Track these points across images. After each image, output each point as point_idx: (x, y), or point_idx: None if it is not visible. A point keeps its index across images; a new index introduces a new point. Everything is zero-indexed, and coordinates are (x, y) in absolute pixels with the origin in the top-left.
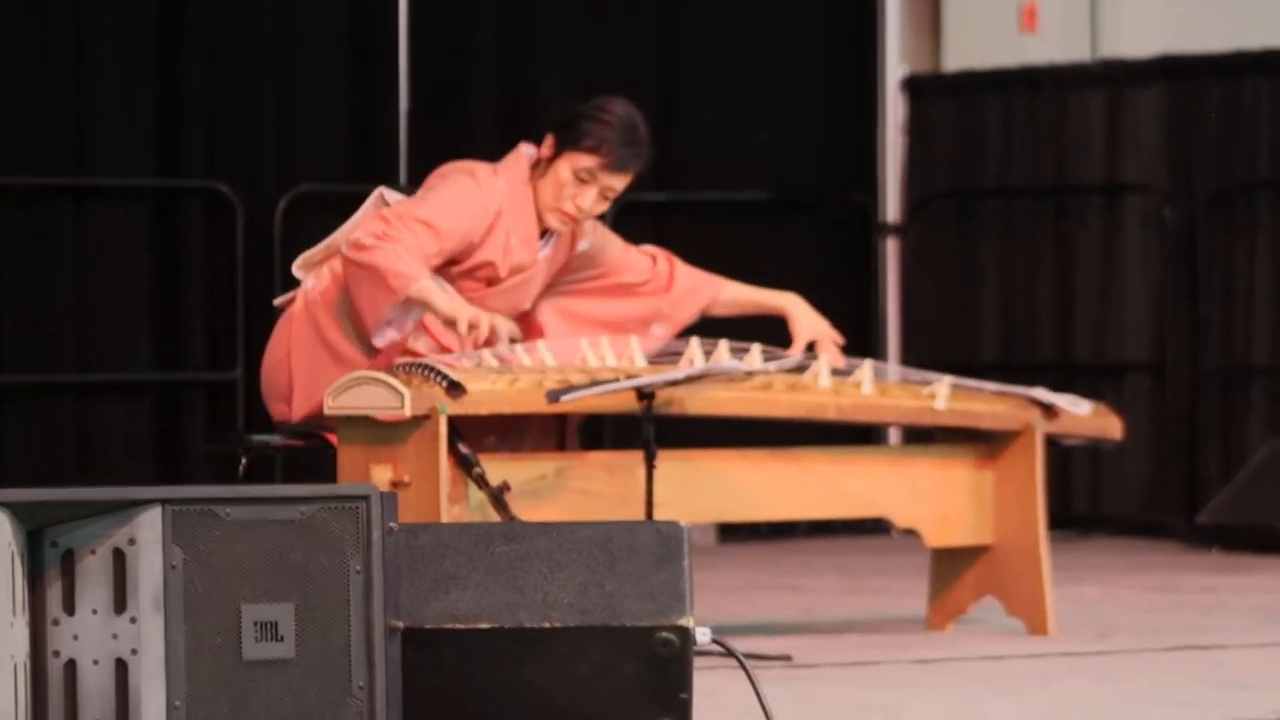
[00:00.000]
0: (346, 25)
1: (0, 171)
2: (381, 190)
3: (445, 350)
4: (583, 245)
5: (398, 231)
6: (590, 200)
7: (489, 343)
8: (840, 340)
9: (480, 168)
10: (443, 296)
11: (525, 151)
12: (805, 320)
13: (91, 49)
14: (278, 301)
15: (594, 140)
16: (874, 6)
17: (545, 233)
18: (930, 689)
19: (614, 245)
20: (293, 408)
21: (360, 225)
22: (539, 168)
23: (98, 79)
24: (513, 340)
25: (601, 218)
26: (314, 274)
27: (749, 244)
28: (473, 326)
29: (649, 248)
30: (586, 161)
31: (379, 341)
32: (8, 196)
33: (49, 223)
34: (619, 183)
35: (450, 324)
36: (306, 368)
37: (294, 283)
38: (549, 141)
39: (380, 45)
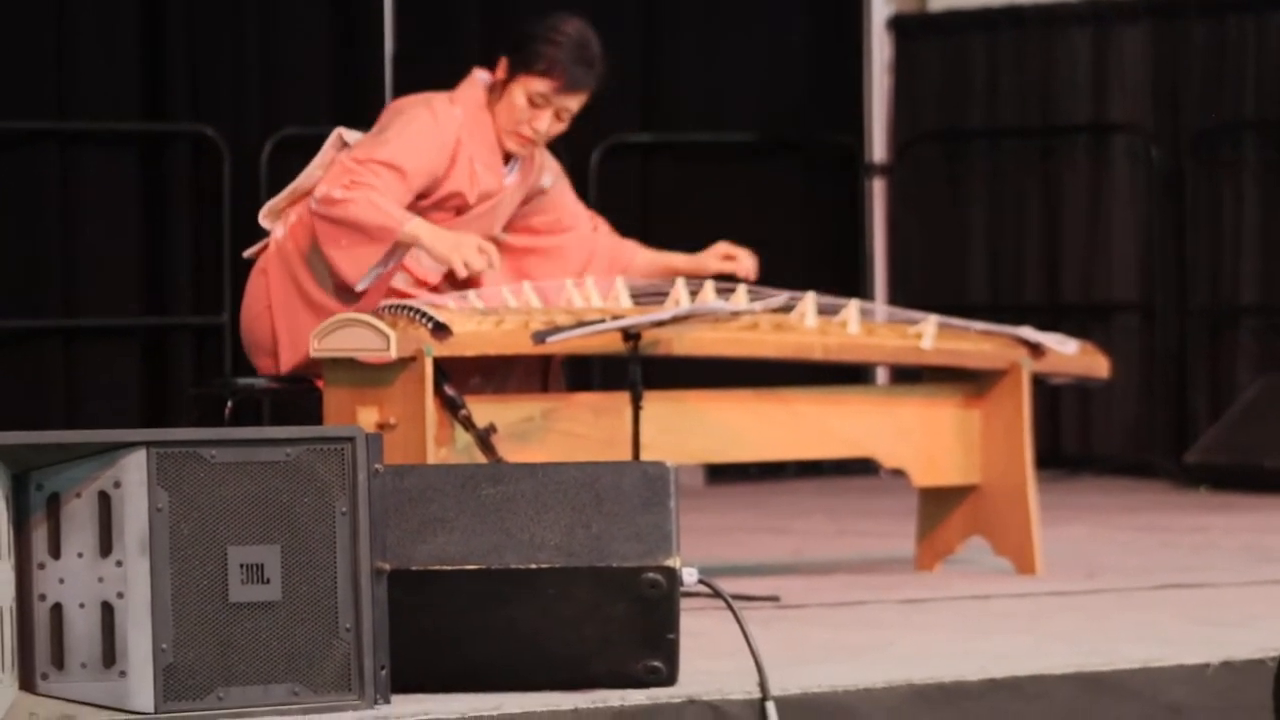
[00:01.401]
0: None
1: None
2: (340, 131)
3: (423, 284)
4: (546, 181)
5: (364, 178)
6: (546, 122)
7: (476, 280)
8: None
9: (436, 98)
10: (430, 234)
11: (480, 77)
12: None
13: None
14: (248, 253)
15: (546, 63)
16: None
17: (509, 158)
18: (918, 629)
19: (569, 193)
20: (280, 361)
21: (325, 176)
22: (494, 91)
23: (81, 23)
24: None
25: (585, 160)
26: (281, 221)
27: (735, 185)
28: (469, 267)
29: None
30: (540, 85)
31: (362, 286)
32: None
33: (34, 168)
34: (574, 103)
35: (445, 263)
36: (288, 318)
37: (264, 232)
38: (502, 64)
39: None
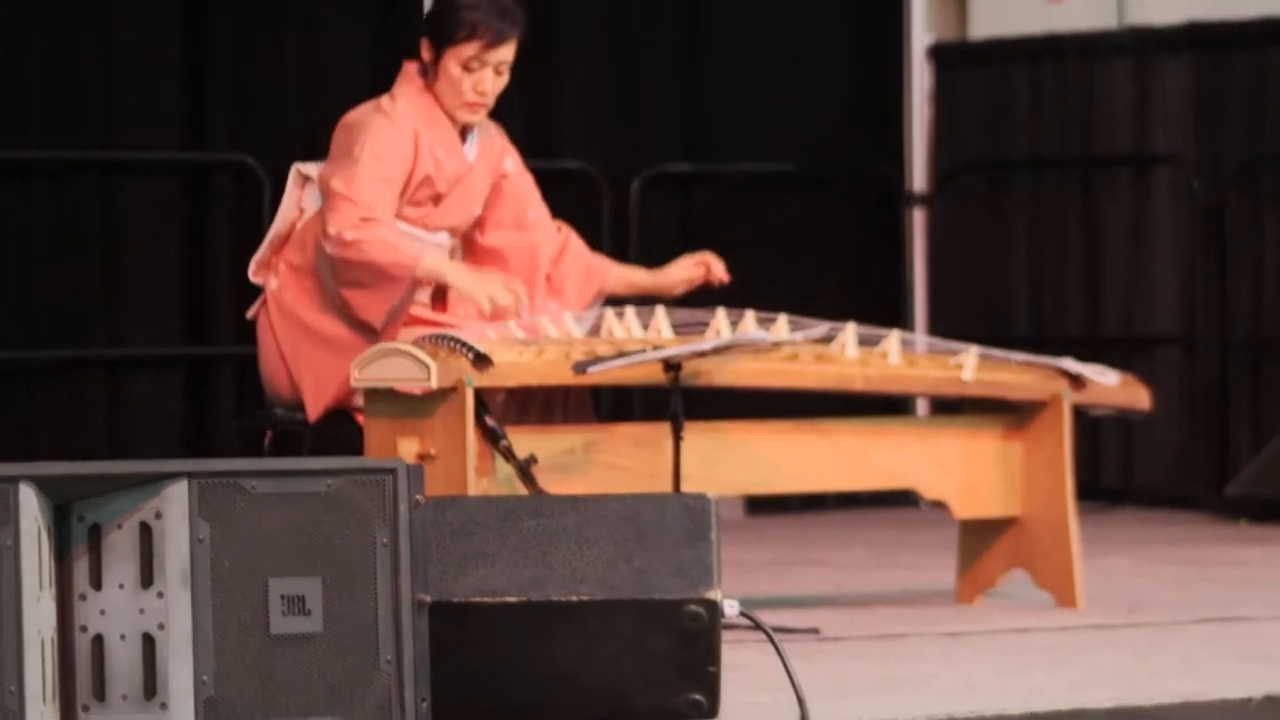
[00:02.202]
0: None
1: (28, 146)
2: (297, 166)
3: (441, 308)
4: (507, 164)
5: (372, 210)
6: (489, 81)
7: (501, 315)
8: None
9: (381, 101)
10: (451, 270)
11: (410, 68)
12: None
13: (117, 23)
14: (250, 313)
15: (466, 28)
16: None
17: (464, 136)
18: (959, 662)
19: (533, 190)
20: (307, 409)
21: (327, 213)
22: (428, 75)
23: (123, 53)
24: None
25: (625, 190)
26: (272, 272)
27: (776, 215)
28: (494, 303)
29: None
30: (468, 50)
31: (381, 324)
32: (36, 171)
33: (77, 198)
34: (508, 53)
35: (470, 299)
36: (307, 366)
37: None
38: (425, 45)
39: (405, 16)
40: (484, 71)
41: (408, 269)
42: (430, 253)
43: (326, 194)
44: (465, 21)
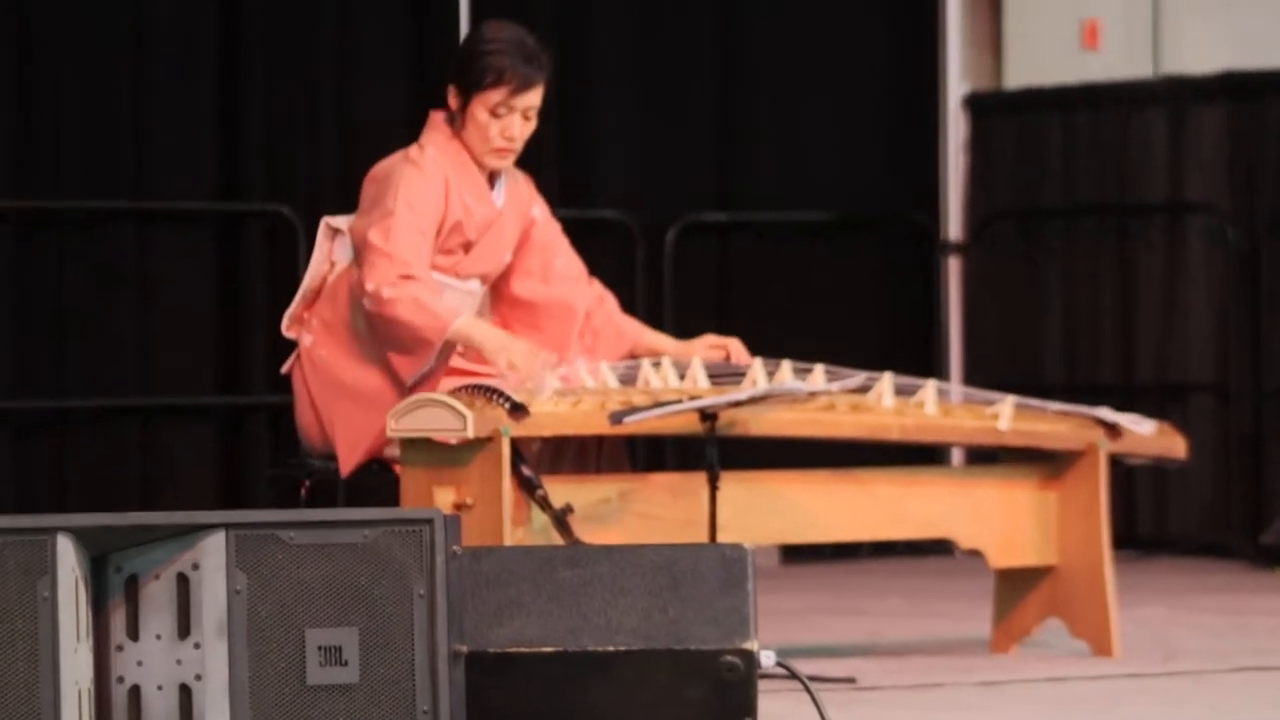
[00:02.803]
0: (407, 45)
1: (62, 196)
2: (326, 220)
3: (481, 360)
4: (535, 211)
5: (411, 266)
6: (517, 127)
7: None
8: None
9: (410, 152)
10: (481, 332)
11: (438, 117)
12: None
13: (151, 73)
14: (285, 369)
15: (494, 74)
16: (935, 24)
17: (492, 181)
18: (995, 712)
19: (561, 238)
20: (340, 465)
21: (364, 268)
22: (455, 123)
23: (157, 103)
24: (549, 366)
25: (661, 239)
26: (305, 329)
27: (812, 264)
28: (511, 367)
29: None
30: (496, 96)
31: (412, 382)
32: (70, 221)
33: (111, 247)
34: (534, 99)
35: (492, 360)
36: (341, 421)
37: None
38: (452, 93)
39: (440, 67)
40: (512, 117)
41: (439, 331)
42: (464, 313)
43: (362, 248)
44: (492, 67)
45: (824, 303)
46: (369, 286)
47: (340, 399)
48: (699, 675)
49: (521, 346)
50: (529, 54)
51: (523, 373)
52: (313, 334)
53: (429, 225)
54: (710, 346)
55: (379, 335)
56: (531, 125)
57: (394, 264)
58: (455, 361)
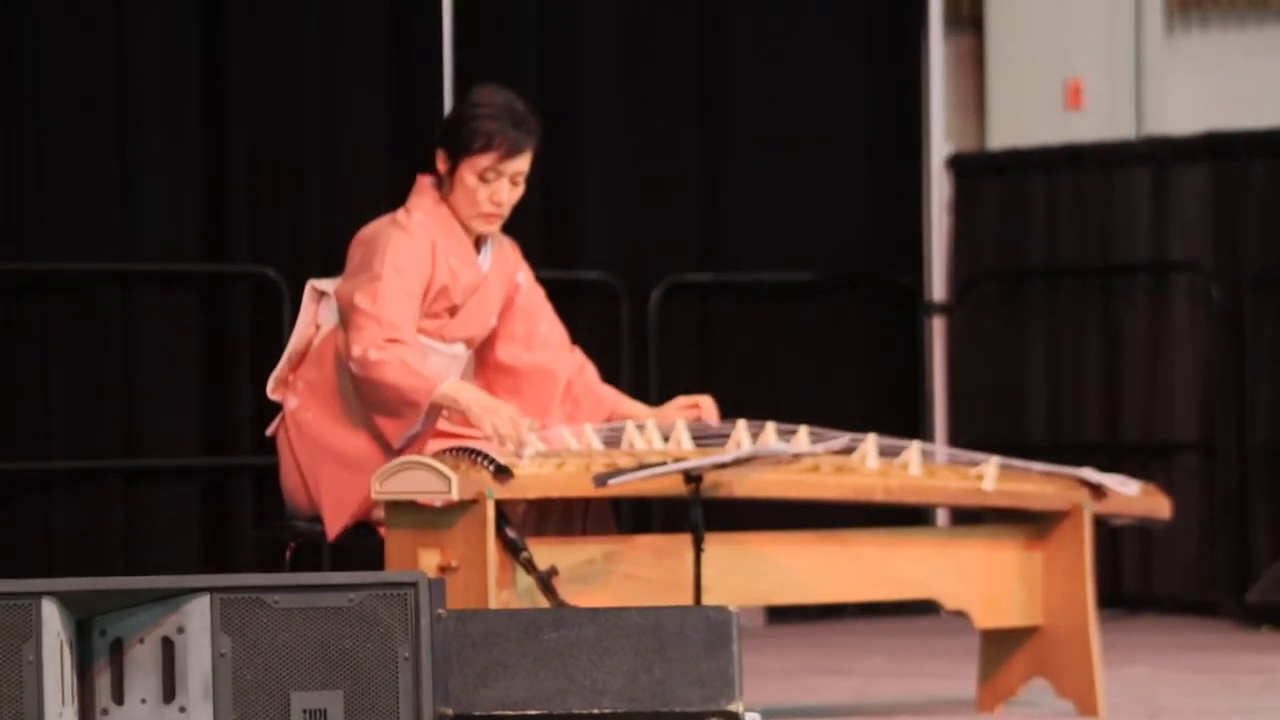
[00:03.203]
0: (390, 107)
1: (47, 258)
2: (312, 283)
3: (467, 423)
4: (520, 277)
5: (391, 325)
6: (505, 192)
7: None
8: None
9: (396, 215)
10: (465, 395)
11: (425, 181)
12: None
13: (136, 136)
14: (270, 431)
15: (483, 138)
16: (918, 85)
17: (478, 245)
18: None
19: (545, 304)
20: (327, 528)
21: (351, 332)
22: (443, 187)
23: (143, 166)
24: (532, 430)
25: (644, 300)
26: (291, 391)
27: (795, 324)
28: (497, 432)
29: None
30: (485, 161)
31: (399, 445)
32: (55, 283)
33: (96, 308)
34: (523, 164)
35: (477, 425)
36: (327, 484)
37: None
38: (441, 156)
39: (424, 127)
40: (500, 182)
41: (426, 393)
42: (450, 377)
43: (349, 311)
44: (481, 131)
45: (808, 363)
46: (355, 351)
47: (326, 462)
48: None
49: (507, 411)
50: (519, 119)
51: (507, 438)
52: (298, 396)
53: (416, 289)
54: (683, 408)
55: (365, 398)
56: (519, 191)
57: (381, 327)
58: (441, 424)
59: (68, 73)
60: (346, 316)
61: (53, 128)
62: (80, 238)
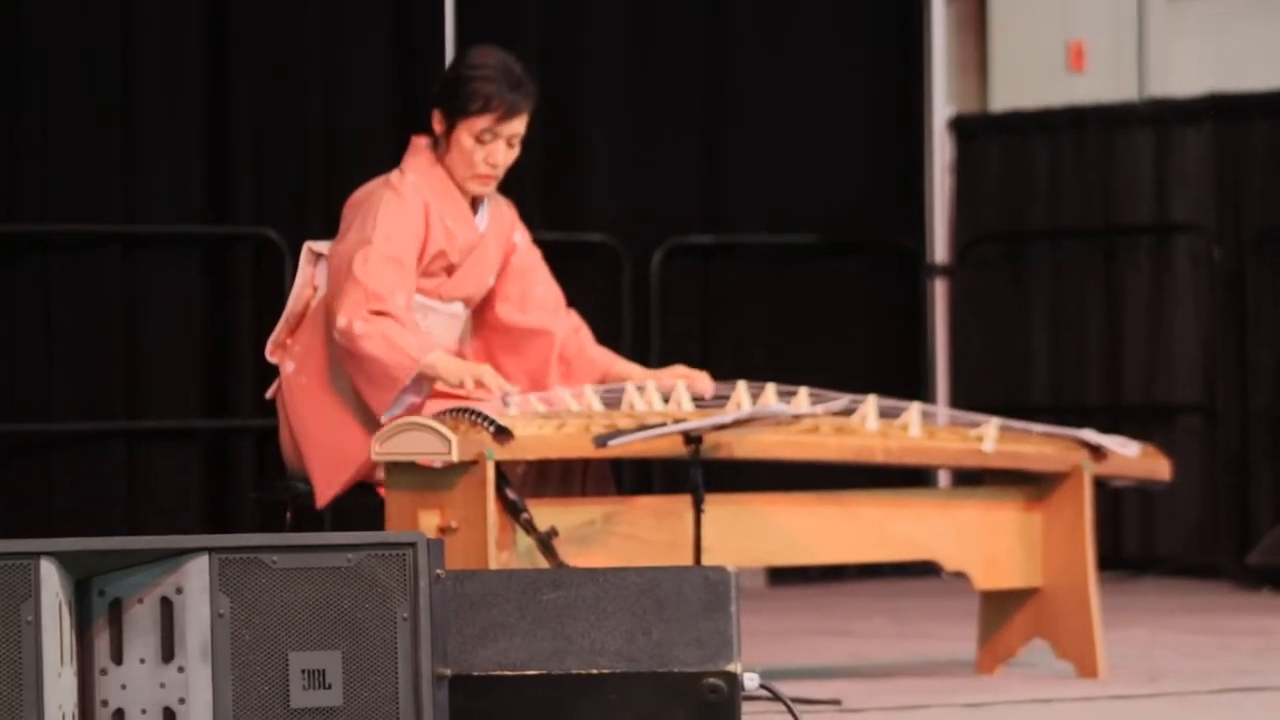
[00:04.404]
0: (394, 72)
1: (50, 220)
2: (309, 245)
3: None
4: (517, 237)
5: (376, 295)
6: (501, 154)
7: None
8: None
9: (390, 177)
10: (446, 364)
11: (420, 141)
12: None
13: (139, 98)
14: (269, 394)
15: (480, 100)
16: (920, 47)
17: (474, 205)
18: None
19: (541, 266)
20: (316, 496)
21: (338, 299)
22: (439, 147)
23: (145, 127)
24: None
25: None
26: (288, 356)
27: (797, 287)
28: (479, 385)
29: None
30: (482, 123)
31: (387, 417)
32: (57, 245)
33: (98, 270)
34: (519, 126)
35: (459, 387)
36: (319, 450)
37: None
38: (438, 117)
39: (427, 89)
40: (496, 144)
41: (407, 366)
42: (435, 349)
43: (338, 275)
44: (479, 94)
45: (810, 325)
46: (340, 321)
47: (317, 430)
48: (682, 697)
49: (486, 369)
50: (516, 81)
51: (492, 389)
52: (294, 360)
53: (407, 254)
54: (678, 377)
55: (349, 368)
56: (515, 152)
57: (366, 296)
58: (439, 385)
59: (71, 35)
60: (335, 280)
61: (56, 90)
62: (82, 200)
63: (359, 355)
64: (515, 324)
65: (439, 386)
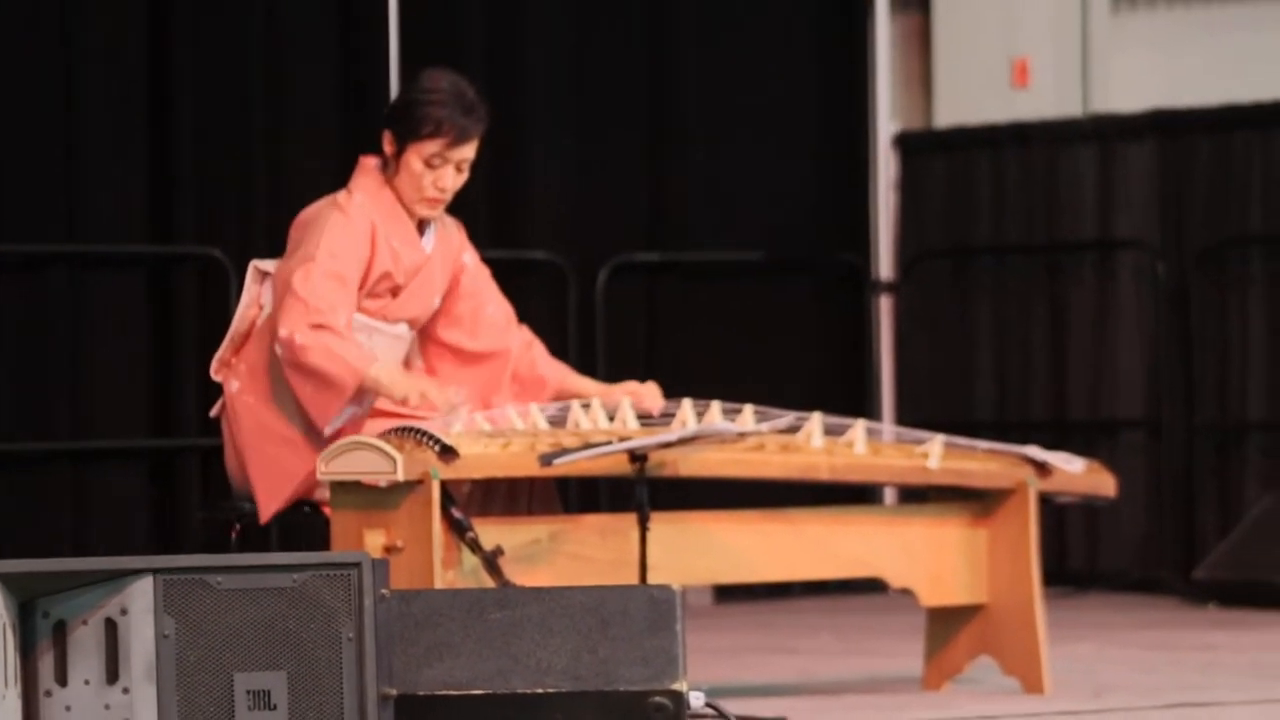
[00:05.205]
0: (336, 88)
1: None
2: (254, 264)
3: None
4: (465, 257)
5: (317, 310)
6: (450, 178)
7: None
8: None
9: (338, 197)
10: (389, 377)
11: (369, 162)
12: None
13: (82, 117)
14: (214, 413)
15: (431, 125)
16: (865, 63)
17: (422, 229)
18: None
19: (491, 284)
20: (260, 511)
21: (280, 314)
22: (388, 169)
23: (89, 147)
24: (454, 406)
25: (591, 279)
26: (233, 374)
27: (741, 303)
28: (424, 399)
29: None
30: (432, 147)
31: (329, 430)
32: (2, 264)
33: (43, 290)
34: (469, 151)
35: (403, 403)
36: (261, 465)
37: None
38: (388, 138)
39: (371, 109)
40: (446, 169)
41: (352, 378)
42: (376, 363)
43: (282, 292)
44: (430, 118)
45: (755, 342)
46: (282, 333)
47: (262, 445)
48: (628, 716)
49: (431, 382)
50: (468, 106)
51: (436, 403)
52: (239, 379)
53: (351, 273)
54: (628, 394)
55: (292, 382)
56: (464, 177)
57: (308, 311)
58: (382, 404)
59: (13, 53)
60: (279, 297)
61: None
62: (26, 220)
63: (301, 366)
64: (464, 346)
65: (381, 405)
